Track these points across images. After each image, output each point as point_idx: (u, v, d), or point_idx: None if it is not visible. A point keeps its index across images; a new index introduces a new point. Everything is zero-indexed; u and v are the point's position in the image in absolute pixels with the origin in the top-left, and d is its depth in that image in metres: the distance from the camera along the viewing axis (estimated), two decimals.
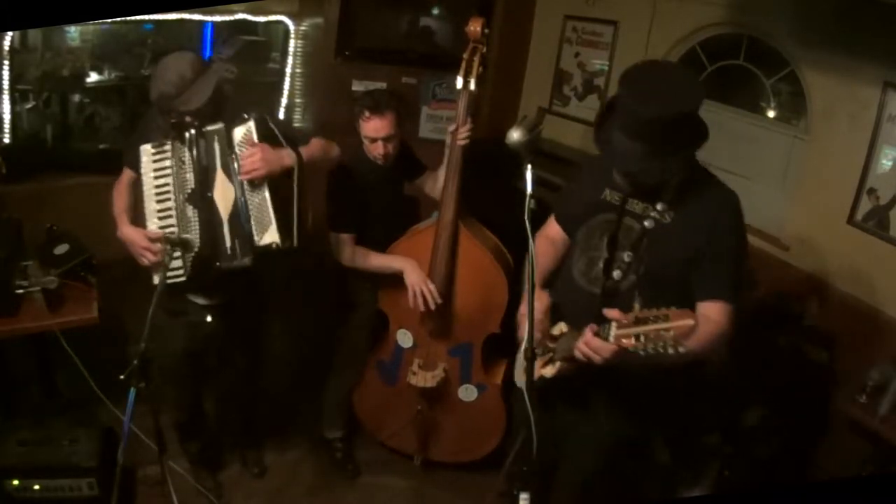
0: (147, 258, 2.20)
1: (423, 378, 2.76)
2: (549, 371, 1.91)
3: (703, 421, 2.84)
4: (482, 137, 2.96)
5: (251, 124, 2.19)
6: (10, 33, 3.32)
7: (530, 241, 1.67)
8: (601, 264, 1.87)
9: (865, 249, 2.97)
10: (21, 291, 2.54)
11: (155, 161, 2.25)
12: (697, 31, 3.65)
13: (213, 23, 4.06)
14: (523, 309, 2.02)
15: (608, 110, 1.77)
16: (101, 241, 2.68)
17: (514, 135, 2.61)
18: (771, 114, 3.52)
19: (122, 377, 1.88)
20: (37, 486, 2.40)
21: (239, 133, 2.19)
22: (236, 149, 2.18)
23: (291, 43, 4.07)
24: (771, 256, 3.31)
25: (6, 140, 3.50)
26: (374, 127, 2.51)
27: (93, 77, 3.85)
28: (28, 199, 3.24)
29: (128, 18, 3.75)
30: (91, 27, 3.77)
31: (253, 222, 2.17)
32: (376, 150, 2.56)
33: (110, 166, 2.57)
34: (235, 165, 2.18)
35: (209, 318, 2.40)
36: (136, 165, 2.28)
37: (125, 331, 2.86)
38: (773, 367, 2.91)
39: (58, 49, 3.73)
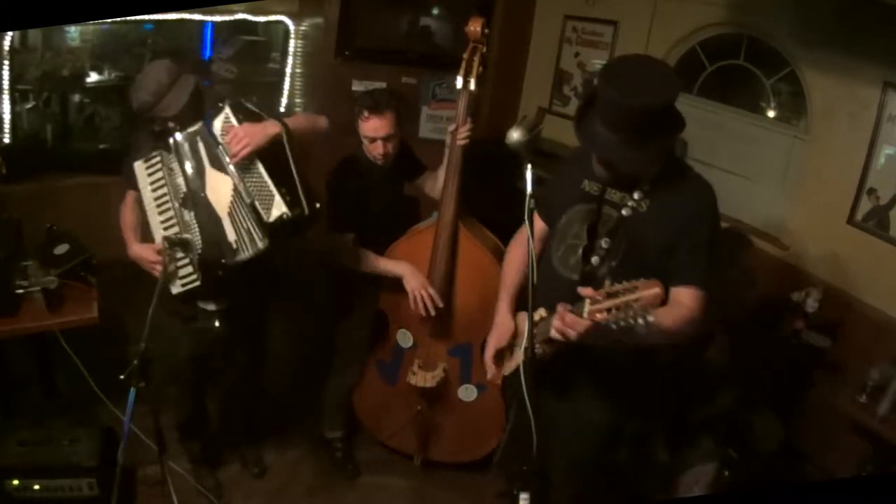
0: (158, 270, 2.21)
1: (422, 378, 2.76)
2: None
3: (691, 407, 2.85)
4: (482, 137, 2.97)
5: (227, 111, 2.20)
6: (10, 33, 3.32)
7: (530, 240, 1.69)
8: (580, 251, 1.94)
9: (865, 249, 2.98)
10: (21, 291, 2.55)
11: (149, 174, 2.29)
12: (697, 31, 3.66)
13: (213, 23, 4.05)
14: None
15: (588, 102, 1.82)
16: (101, 241, 2.69)
17: (514, 135, 2.62)
18: (771, 114, 3.52)
19: (122, 377, 1.89)
20: (37, 486, 2.40)
21: (218, 123, 2.21)
22: (219, 139, 2.19)
23: (291, 43, 4.07)
24: (771, 256, 3.31)
25: (6, 140, 3.49)
26: (374, 127, 2.51)
27: (93, 77, 3.85)
28: (28, 199, 3.24)
29: (128, 18, 3.75)
30: (91, 27, 3.77)
31: (257, 203, 2.16)
32: (376, 150, 2.56)
33: (110, 166, 2.58)
34: (225, 159, 2.18)
35: (217, 323, 2.41)
36: (134, 183, 2.32)
37: (125, 331, 2.86)
38: (774, 358, 2.92)
39: (58, 49, 3.73)
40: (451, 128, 2.58)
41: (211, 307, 2.40)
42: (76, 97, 3.84)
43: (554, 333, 1.73)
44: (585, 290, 1.64)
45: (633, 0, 3.90)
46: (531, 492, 1.59)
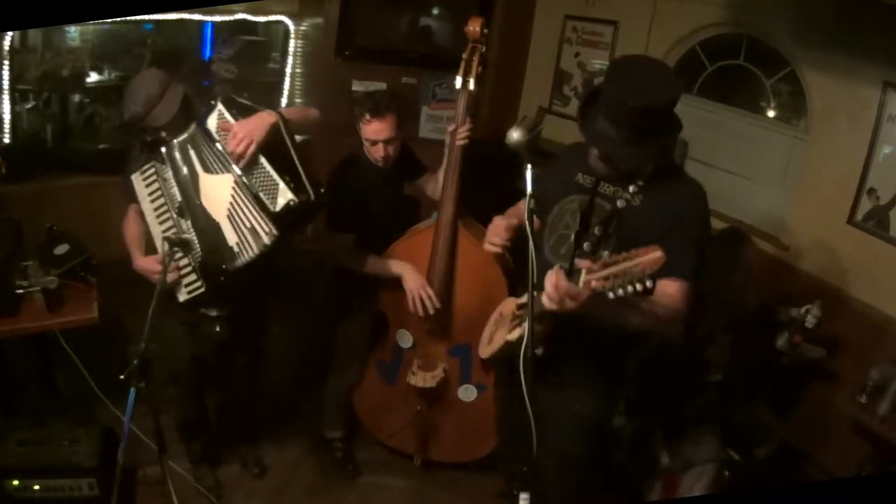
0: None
1: (422, 378, 2.76)
2: (514, 335, 1.96)
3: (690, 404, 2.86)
4: (482, 137, 2.96)
5: (220, 107, 2.20)
6: (10, 33, 3.32)
7: (530, 241, 1.70)
8: (572, 239, 1.96)
9: (865, 249, 2.98)
10: (21, 291, 2.54)
11: (146, 186, 2.30)
12: (697, 31, 3.66)
13: (213, 23, 4.06)
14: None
15: (591, 99, 1.86)
16: (101, 241, 2.69)
17: (514, 135, 2.62)
18: (771, 114, 3.52)
19: (122, 377, 1.89)
20: (37, 486, 2.40)
21: (213, 121, 2.20)
22: (216, 137, 2.19)
23: (291, 43, 4.08)
24: (771, 256, 3.31)
25: (6, 140, 3.50)
26: (375, 129, 2.51)
27: (93, 77, 3.86)
28: (28, 199, 3.24)
29: (128, 18, 3.75)
30: (91, 27, 3.78)
31: (262, 195, 2.15)
32: (377, 153, 2.56)
33: (110, 166, 2.58)
34: (224, 156, 2.17)
35: (218, 329, 2.40)
36: (134, 196, 2.32)
37: (125, 331, 2.87)
38: (771, 370, 2.91)
39: (58, 49, 3.74)
40: (451, 128, 2.57)
41: (213, 313, 2.39)
42: (76, 97, 3.85)
43: (546, 301, 1.70)
44: (583, 262, 1.64)
45: (633, 0, 3.90)
46: (531, 492, 1.59)
